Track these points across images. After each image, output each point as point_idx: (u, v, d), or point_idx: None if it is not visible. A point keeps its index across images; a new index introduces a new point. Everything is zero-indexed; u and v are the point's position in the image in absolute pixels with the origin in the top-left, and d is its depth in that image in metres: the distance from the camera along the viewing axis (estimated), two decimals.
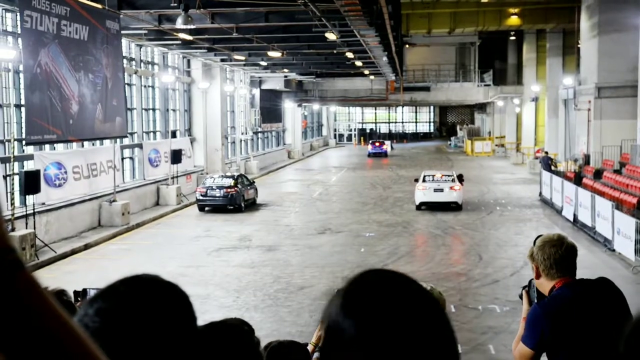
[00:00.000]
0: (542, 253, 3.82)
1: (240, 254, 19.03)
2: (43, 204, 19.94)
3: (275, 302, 14.22)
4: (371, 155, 55.82)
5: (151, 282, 1.41)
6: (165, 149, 29.11)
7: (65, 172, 21.36)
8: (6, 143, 19.18)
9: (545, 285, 3.86)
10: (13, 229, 17.68)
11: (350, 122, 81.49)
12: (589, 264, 16.36)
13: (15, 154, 18.62)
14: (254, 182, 29.57)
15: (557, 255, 3.79)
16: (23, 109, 18.76)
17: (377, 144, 57.90)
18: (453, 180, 26.68)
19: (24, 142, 19.23)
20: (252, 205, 27.67)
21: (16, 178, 18.43)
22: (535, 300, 3.98)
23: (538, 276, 3.88)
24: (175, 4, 18.81)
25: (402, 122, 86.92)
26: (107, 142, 24.37)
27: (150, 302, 1.35)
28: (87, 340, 0.93)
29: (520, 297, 4.15)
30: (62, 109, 19.06)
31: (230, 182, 26.56)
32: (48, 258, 17.96)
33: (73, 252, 19.26)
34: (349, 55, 31.89)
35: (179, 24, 19.30)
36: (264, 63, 36.70)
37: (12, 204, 18.36)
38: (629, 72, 28.11)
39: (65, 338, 0.89)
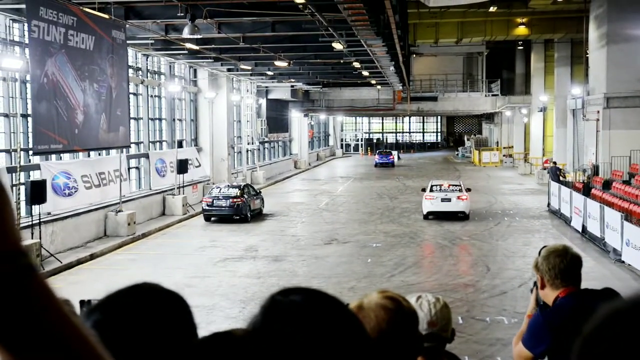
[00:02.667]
0: (546, 263, 3.82)
1: (247, 264, 18.93)
2: (49, 213, 19.91)
3: None
4: (378, 165, 55.75)
5: (149, 292, 1.41)
6: (171, 159, 29.10)
7: (76, 182, 21.35)
8: (12, 153, 19.20)
9: (549, 295, 3.86)
10: None
11: (357, 132, 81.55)
12: (598, 275, 16.23)
13: (22, 163, 18.62)
14: (260, 192, 29.51)
15: (562, 265, 3.79)
16: (29, 118, 18.80)
17: (384, 154, 57.85)
18: (460, 190, 26.59)
19: (30, 152, 19.25)
20: (258, 216, 27.59)
21: (22, 188, 18.43)
22: (542, 303, 3.98)
23: (543, 286, 3.88)
24: (182, 14, 18.86)
25: (409, 132, 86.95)
26: (113, 151, 24.37)
27: (147, 313, 1.36)
28: (98, 346, 0.93)
29: (532, 291, 4.17)
30: (68, 119, 19.06)
31: (237, 192, 26.50)
32: (53, 268, 17.89)
33: (79, 262, 19.20)
34: (356, 65, 31.89)
35: (186, 33, 19.34)
36: (270, 73, 36.76)
37: (18, 213, 18.34)
38: (637, 82, 27.98)
39: (76, 344, 0.89)
